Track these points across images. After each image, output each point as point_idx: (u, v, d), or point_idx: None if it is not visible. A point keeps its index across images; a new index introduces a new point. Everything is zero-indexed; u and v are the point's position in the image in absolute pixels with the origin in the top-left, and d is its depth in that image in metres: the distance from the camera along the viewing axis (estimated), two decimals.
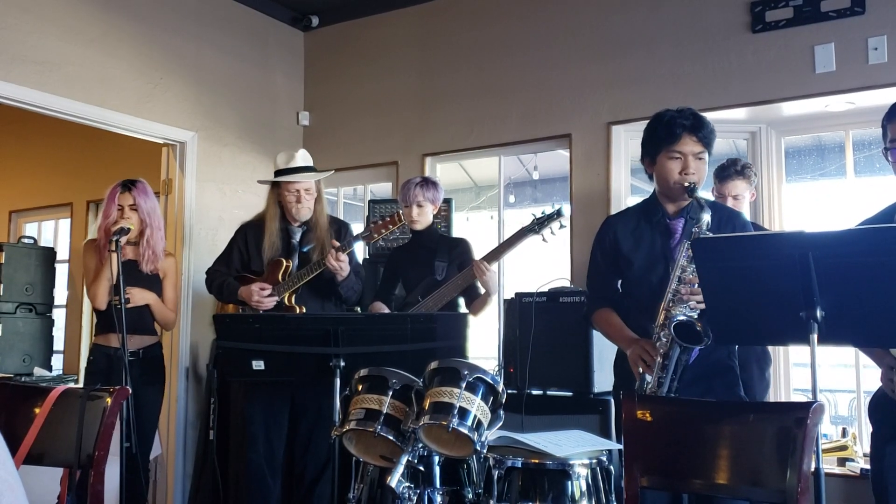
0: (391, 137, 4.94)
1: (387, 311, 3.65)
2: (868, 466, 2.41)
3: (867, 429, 2.79)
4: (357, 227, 3.92)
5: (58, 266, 5.46)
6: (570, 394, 3.47)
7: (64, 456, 2.19)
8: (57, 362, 5.79)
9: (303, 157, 3.65)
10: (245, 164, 4.95)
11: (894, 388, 2.13)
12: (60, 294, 5.89)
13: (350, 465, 2.51)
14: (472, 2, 4.78)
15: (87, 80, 4.12)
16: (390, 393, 2.26)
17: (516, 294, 3.62)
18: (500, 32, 4.64)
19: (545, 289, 3.60)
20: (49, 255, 5.38)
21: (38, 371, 5.04)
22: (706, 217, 2.35)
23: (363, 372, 2.35)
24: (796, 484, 1.76)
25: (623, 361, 2.56)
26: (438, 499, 2.29)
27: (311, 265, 3.50)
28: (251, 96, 5.03)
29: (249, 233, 3.70)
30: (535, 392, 3.50)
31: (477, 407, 2.16)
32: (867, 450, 2.74)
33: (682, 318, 2.27)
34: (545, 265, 4.14)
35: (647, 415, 2.06)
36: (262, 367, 2.69)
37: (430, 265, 3.56)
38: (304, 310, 3.53)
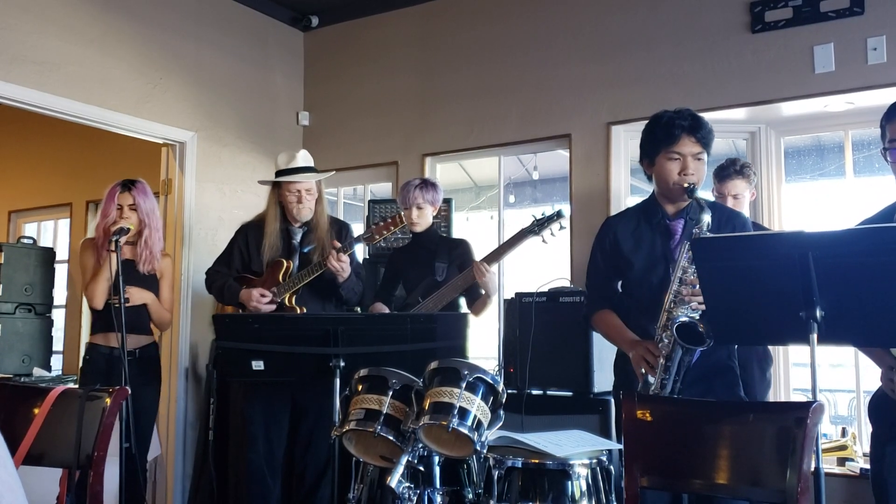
0: (391, 137, 4.94)
1: (387, 311, 3.65)
2: (868, 466, 2.40)
3: (867, 429, 2.80)
4: (357, 228, 3.92)
5: (57, 266, 5.44)
6: (570, 394, 3.47)
7: (63, 456, 2.18)
8: (56, 363, 5.78)
9: (304, 158, 3.65)
10: (245, 164, 4.95)
11: (894, 388, 2.13)
12: (60, 294, 5.88)
13: (350, 466, 2.50)
14: (472, 2, 4.78)
15: (86, 80, 4.12)
16: (390, 393, 2.26)
17: (516, 294, 3.62)
18: (500, 32, 4.64)
19: (545, 289, 3.60)
20: (48, 255, 5.37)
21: (38, 371, 5.04)
22: (706, 218, 2.35)
23: (363, 372, 2.35)
24: (796, 484, 1.76)
25: (623, 361, 2.57)
26: (438, 499, 2.29)
27: (312, 266, 3.50)
28: (251, 96, 5.03)
29: (250, 233, 3.69)
30: (535, 392, 3.50)
31: (477, 407, 2.16)
32: (867, 450, 2.74)
33: (684, 319, 2.27)
34: (545, 265, 4.13)
35: (647, 415, 2.06)
36: (262, 368, 2.68)
37: (431, 266, 3.57)
38: (305, 310, 3.52)
